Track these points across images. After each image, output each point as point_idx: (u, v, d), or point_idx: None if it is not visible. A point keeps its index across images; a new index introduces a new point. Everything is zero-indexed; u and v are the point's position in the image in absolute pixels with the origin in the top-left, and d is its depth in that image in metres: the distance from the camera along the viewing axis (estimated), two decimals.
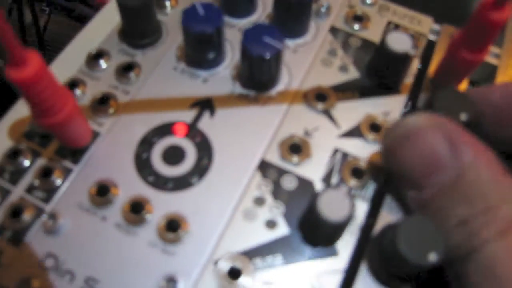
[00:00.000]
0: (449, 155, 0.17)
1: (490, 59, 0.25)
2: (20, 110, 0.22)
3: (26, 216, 0.19)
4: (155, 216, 0.19)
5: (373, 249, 0.19)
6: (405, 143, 0.18)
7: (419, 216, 0.16)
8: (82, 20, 0.41)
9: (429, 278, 0.18)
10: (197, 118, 0.22)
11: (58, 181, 0.20)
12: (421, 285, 0.18)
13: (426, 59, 0.24)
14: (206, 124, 0.21)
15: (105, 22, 0.25)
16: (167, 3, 0.25)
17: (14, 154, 0.21)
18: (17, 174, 0.20)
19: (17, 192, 0.20)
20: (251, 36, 0.20)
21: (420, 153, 0.17)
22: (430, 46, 0.25)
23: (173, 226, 0.19)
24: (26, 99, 0.17)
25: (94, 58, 0.23)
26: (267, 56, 0.20)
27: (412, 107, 0.23)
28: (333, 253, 0.19)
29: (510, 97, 0.19)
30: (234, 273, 0.18)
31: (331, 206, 0.17)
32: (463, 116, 0.19)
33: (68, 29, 0.42)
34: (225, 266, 0.18)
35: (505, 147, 0.19)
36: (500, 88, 0.20)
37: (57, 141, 0.21)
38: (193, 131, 0.21)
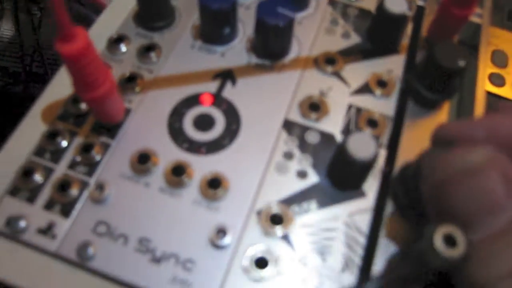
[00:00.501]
0: (506, 194, 0.15)
1: (474, 18, 0.28)
2: (50, 96, 0.23)
3: (73, 189, 0.20)
4: (196, 177, 0.21)
5: (395, 186, 0.21)
6: (462, 180, 0.16)
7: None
8: (78, 20, 0.41)
9: None
10: (221, 88, 0.23)
11: (98, 156, 0.21)
12: None
13: (417, 22, 0.27)
14: (229, 92, 0.23)
15: (120, 9, 0.26)
16: None
17: (52, 135, 0.22)
18: (57, 153, 0.21)
19: (60, 169, 0.21)
20: (265, 8, 0.22)
21: (478, 191, 0.16)
22: (420, 11, 0.27)
23: (214, 184, 0.20)
24: (71, 73, 0.18)
25: (114, 42, 0.24)
26: (282, 24, 0.22)
27: (410, 63, 0.25)
28: (361, 194, 0.21)
29: (496, 135, 0.17)
30: (276, 220, 0.20)
31: (359, 147, 0.19)
32: (461, 63, 0.22)
33: None
34: (267, 214, 0.20)
35: None
36: (483, 123, 0.17)
37: (91, 121, 0.22)
38: (218, 99, 0.23)
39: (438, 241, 0.15)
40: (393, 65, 0.25)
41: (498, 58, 0.43)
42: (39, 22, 0.43)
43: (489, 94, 0.41)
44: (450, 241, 0.15)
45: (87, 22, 0.40)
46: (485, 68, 0.26)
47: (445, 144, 0.17)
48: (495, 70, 0.43)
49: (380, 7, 0.24)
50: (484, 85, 0.26)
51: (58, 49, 0.17)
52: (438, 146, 0.18)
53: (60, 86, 0.23)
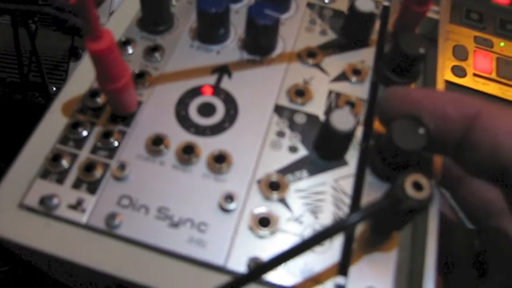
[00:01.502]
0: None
1: (432, 15, 0.32)
2: (67, 94, 0.26)
3: (97, 170, 0.24)
4: (203, 155, 0.24)
5: (372, 156, 0.24)
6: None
7: (405, 118, 0.22)
8: (74, 32, 0.44)
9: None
10: (219, 80, 0.27)
11: (116, 142, 0.24)
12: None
13: (384, 19, 0.31)
14: (227, 84, 0.27)
15: (123, 17, 0.29)
16: None
17: (74, 126, 0.25)
18: (80, 141, 0.25)
19: (84, 154, 0.24)
20: (255, 10, 0.26)
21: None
22: (386, 10, 0.32)
23: (219, 160, 0.24)
24: (97, 67, 0.22)
25: (122, 44, 0.28)
26: (270, 23, 0.26)
27: (379, 54, 0.29)
28: (344, 163, 0.25)
29: (454, 99, 0.22)
30: (274, 186, 0.24)
31: (340, 121, 0.23)
32: (422, 50, 0.26)
33: (56, 42, 0.45)
34: (266, 182, 0.24)
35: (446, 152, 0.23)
36: (442, 92, 0.23)
37: (108, 112, 0.25)
38: (218, 90, 0.27)
39: (408, 187, 0.19)
40: (365, 56, 0.29)
41: (459, 52, 0.48)
42: (35, 35, 0.46)
43: (452, 84, 0.46)
44: (417, 186, 0.19)
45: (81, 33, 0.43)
46: (444, 58, 0.30)
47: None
48: (456, 63, 0.48)
49: (352, 7, 0.28)
50: (443, 74, 0.30)
51: (88, 47, 0.20)
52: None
53: (75, 85, 0.27)
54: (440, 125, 0.21)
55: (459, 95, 0.22)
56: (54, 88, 0.43)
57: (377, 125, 0.26)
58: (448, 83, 0.47)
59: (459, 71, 0.47)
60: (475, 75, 0.47)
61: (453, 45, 0.49)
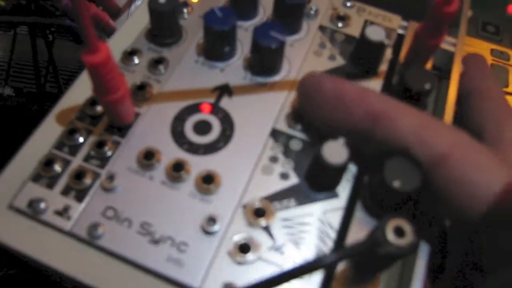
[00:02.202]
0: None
1: (448, 47, 0.31)
2: (67, 101, 0.27)
3: (87, 179, 0.24)
4: (192, 174, 0.24)
5: (365, 190, 0.24)
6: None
7: (400, 156, 0.22)
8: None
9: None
10: (219, 99, 0.27)
11: (109, 152, 0.25)
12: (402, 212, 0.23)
13: (396, 48, 0.30)
14: (226, 103, 0.27)
15: (133, 27, 0.30)
16: (185, 10, 0.30)
17: (71, 132, 0.25)
18: (75, 147, 0.25)
19: (76, 161, 0.24)
20: (260, 31, 0.26)
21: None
22: (400, 39, 0.31)
23: (208, 180, 0.24)
24: (93, 79, 0.22)
25: (129, 54, 0.28)
26: (274, 46, 0.26)
27: (387, 86, 0.29)
28: (334, 195, 0.24)
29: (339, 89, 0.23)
30: (259, 213, 0.23)
31: (333, 153, 0.22)
32: (427, 86, 0.25)
33: (72, 52, 0.46)
34: (251, 208, 0.23)
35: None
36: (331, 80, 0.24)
37: (105, 121, 0.26)
38: (216, 108, 0.26)
39: (389, 232, 0.19)
40: (372, 86, 0.28)
41: None
42: (52, 45, 0.46)
43: None
44: (399, 232, 0.19)
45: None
46: (455, 91, 0.29)
47: None
48: None
49: (362, 35, 0.27)
50: (453, 107, 0.29)
51: (84, 60, 0.21)
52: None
53: (76, 93, 0.27)
54: (344, 118, 0.23)
55: (366, 92, 0.23)
56: None
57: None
58: None
59: None
60: None
61: None
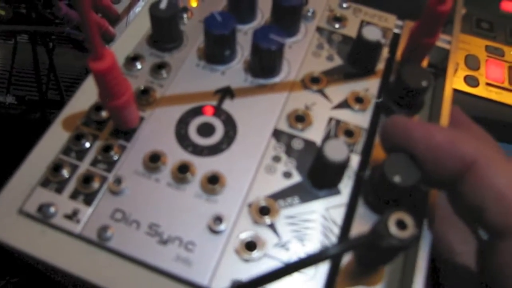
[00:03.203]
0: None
1: (443, 44, 0.32)
2: (72, 108, 0.27)
3: (95, 183, 0.24)
4: (197, 175, 0.25)
5: (366, 187, 0.24)
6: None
7: (399, 153, 0.22)
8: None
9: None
10: (221, 101, 0.27)
11: (116, 156, 0.25)
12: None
13: (393, 47, 0.31)
14: (228, 105, 0.27)
15: (135, 33, 0.30)
16: (185, 15, 0.31)
17: (77, 137, 0.26)
18: (81, 152, 0.25)
19: (84, 166, 0.25)
20: (260, 34, 0.27)
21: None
22: (396, 38, 0.31)
23: (213, 181, 0.24)
24: (99, 85, 0.22)
25: (131, 60, 0.29)
26: (273, 48, 0.26)
27: (384, 84, 0.29)
28: (337, 192, 0.25)
29: (451, 141, 0.21)
30: (264, 211, 0.24)
31: (334, 151, 0.23)
32: (424, 83, 0.26)
33: (72, 60, 0.46)
34: (256, 206, 0.24)
35: (442, 187, 0.23)
36: (441, 131, 0.22)
37: (110, 126, 0.26)
38: (219, 111, 0.27)
39: (392, 225, 0.19)
40: (370, 85, 0.29)
41: (471, 62, 0.48)
42: (52, 53, 0.47)
43: (466, 94, 0.46)
44: (401, 224, 0.19)
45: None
46: (450, 88, 0.30)
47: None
48: (469, 72, 0.47)
49: (359, 35, 0.28)
50: (450, 104, 0.30)
51: (90, 66, 0.21)
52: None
53: (81, 99, 0.27)
54: (434, 165, 0.21)
55: (458, 137, 0.21)
56: None
57: (375, 155, 0.26)
58: (462, 93, 0.46)
59: (472, 81, 0.47)
60: (487, 84, 0.47)
61: (465, 55, 0.49)
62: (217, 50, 0.28)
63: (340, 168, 0.24)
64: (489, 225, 0.20)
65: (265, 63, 0.28)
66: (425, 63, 0.30)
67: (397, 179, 0.22)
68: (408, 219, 0.20)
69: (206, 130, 0.26)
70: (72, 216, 0.23)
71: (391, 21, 0.32)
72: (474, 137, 0.21)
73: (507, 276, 0.19)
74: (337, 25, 0.32)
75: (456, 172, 0.21)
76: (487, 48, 0.48)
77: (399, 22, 0.32)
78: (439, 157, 0.21)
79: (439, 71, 0.32)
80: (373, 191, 0.24)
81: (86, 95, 0.27)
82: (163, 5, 0.27)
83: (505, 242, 0.19)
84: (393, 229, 0.19)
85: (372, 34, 0.28)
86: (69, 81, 0.45)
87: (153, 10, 0.27)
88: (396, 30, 0.32)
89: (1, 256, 0.45)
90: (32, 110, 0.44)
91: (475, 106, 0.45)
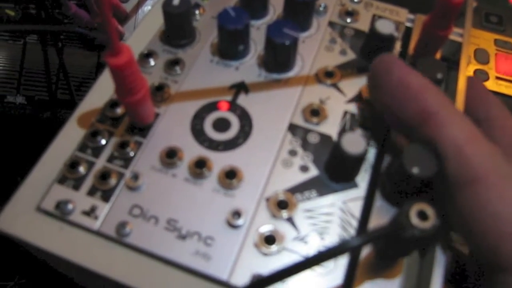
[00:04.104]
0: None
1: (456, 37, 0.32)
2: (86, 105, 0.27)
3: (112, 179, 0.24)
4: (215, 170, 0.25)
5: (383, 179, 0.24)
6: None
7: (418, 144, 0.22)
8: (100, 48, 0.45)
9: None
10: (236, 96, 0.27)
11: (132, 152, 0.25)
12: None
13: (405, 41, 0.31)
14: (243, 100, 0.27)
15: (147, 30, 0.30)
16: (197, 11, 0.31)
17: (93, 134, 0.26)
18: (97, 149, 0.25)
19: (100, 162, 0.25)
20: (274, 29, 0.27)
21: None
22: (408, 31, 0.31)
23: (230, 175, 0.24)
24: (116, 81, 0.22)
25: (145, 57, 0.29)
26: (287, 42, 0.26)
27: None
28: (354, 185, 0.25)
29: (422, 86, 0.23)
30: (282, 205, 0.24)
31: (351, 144, 0.23)
32: (439, 75, 0.26)
33: (81, 59, 0.46)
34: (274, 200, 0.24)
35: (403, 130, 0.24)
36: (399, 68, 0.24)
37: (126, 123, 0.26)
38: (234, 106, 0.27)
39: (413, 216, 0.19)
40: None
41: (480, 56, 0.48)
42: (62, 53, 0.47)
43: None
44: (422, 215, 0.19)
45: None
46: (464, 81, 0.30)
47: None
48: (478, 66, 0.47)
49: (372, 28, 0.28)
50: (463, 96, 0.29)
51: (108, 62, 0.21)
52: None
53: (96, 97, 0.27)
54: (398, 104, 0.23)
55: (430, 87, 0.23)
56: None
57: (391, 147, 0.26)
58: None
59: (482, 75, 0.47)
60: (497, 78, 0.47)
61: (474, 49, 0.48)
62: (231, 45, 0.28)
63: (358, 161, 0.24)
64: (448, 174, 0.21)
65: (279, 58, 0.28)
66: (438, 56, 0.30)
67: (415, 170, 0.22)
68: (429, 210, 0.19)
69: (221, 125, 0.26)
70: (90, 212, 0.23)
71: (403, 15, 0.32)
72: (442, 93, 0.22)
73: (467, 222, 0.20)
74: (349, 20, 0.31)
75: (417, 116, 0.22)
76: (496, 42, 0.48)
77: (411, 16, 0.32)
78: (405, 98, 0.22)
79: (451, 64, 0.32)
80: (390, 183, 0.24)
81: (100, 92, 0.27)
82: (176, 1, 0.27)
83: (461, 192, 0.20)
84: (414, 219, 0.19)
85: (385, 27, 0.28)
86: (79, 80, 0.45)
87: (167, 6, 0.27)
88: (408, 24, 0.32)
89: (10, 257, 0.46)
90: (42, 110, 0.44)
91: None
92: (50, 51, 0.45)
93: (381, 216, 0.24)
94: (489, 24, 0.49)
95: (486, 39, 0.48)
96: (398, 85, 0.23)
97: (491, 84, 0.46)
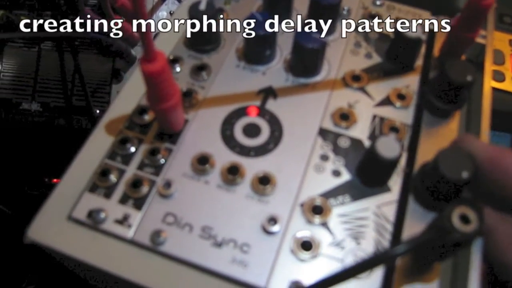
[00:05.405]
0: None
1: (479, 39, 0.31)
2: (113, 113, 0.27)
3: (144, 187, 0.24)
4: (247, 176, 0.24)
5: (416, 183, 0.24)
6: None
7: (453, 147, 0.22)
8: (116, 54, 0.45)
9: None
10: (264, 101, 0.27)
11: (163, 159, 0.25)
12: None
13: (430, 44, 0.31)
14: (272, 105, 0.27)
15: (170, 36, 0.30)
16: (221, 16, 0.31)
17: (122, 142, 0.26)
18: (127, 157, 0.25)
19: (131, 170, 0.25)
20: (302, 33, 0.26)
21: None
22: (432, 35, 0.31)
23: (264, 181, 0.24)
24: (149, 87, 0.22)
25: (170, 62, 0.29)
26: (316, 47, 0.26)
27: (425, 79, 0.29)
28: (387, 189, 0.25)
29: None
30: (317, 210, 0.24)
31: (386, 148, 0.23)
32: (469, 77, 0.25)
33: (96, 65, 0.46)
34: (309, 206, 0.24)
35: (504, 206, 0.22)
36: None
37: (155, 129, 0.26)
38: (263, 111, 0.27)
39: (455, 219, 0.19)
40: (410, 81, 0.29)
41: (496, 57, 0.48)
42: (77, 59, 0.46)
43: (493, 89, 0.46)
44: (464, 219, 0.19)
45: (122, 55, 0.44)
46: (489, 82, 0.30)
47: None
48: (494, 67, 0.47)
49: (398, 32, 0.28)
50: (489, 99, 0.29)
51: (142, 68, 0.21)
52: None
53: (123, 103, 0.27)
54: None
55: None
56: (98, 111, 0.44)
57: (421, 152, 0.26)
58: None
59: (498, 76, 0.47)
60: None
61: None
62: (258, 51, 0.28)
63: (393, 164, 0.23)
64: None
65: (307, 62, 0.28)
66: (462, 58, 0.30)
67: (451, 174, 0.21)
68: (472, 214, 0.19)
69: (252, 130, 0.26)
70: (123, 221, 0.23)
71: (426, 18, 0.32)
72: None
73: None
74: (372, 23, 0.31)
75: None
76: (511, 42, 0.48)
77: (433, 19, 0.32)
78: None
79: (475, 65, 0.32)
80: (424, 187, 0.24)
81: (127, 99, 0.27)
82: (202, 6, 0.27)
83: None
84: (457, 223, 0.19)
85: (411, 31, 0.28)
86: (94, 86, 0.45)
87: (193, 11, 0.27)
88: (431, 27, 0.32)
89: (20, 261, 0.45)
90: (57, 116, 0.44)
91: (502, 101, 0.45)
92: (64, 57, 0.44)
93: (415, 220, 0.24)
94: (503, 25, 0.50)
95: (501, 40, 0.48)
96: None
97: (508, 85, 0.46)
